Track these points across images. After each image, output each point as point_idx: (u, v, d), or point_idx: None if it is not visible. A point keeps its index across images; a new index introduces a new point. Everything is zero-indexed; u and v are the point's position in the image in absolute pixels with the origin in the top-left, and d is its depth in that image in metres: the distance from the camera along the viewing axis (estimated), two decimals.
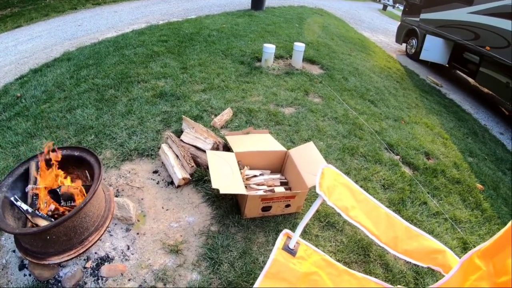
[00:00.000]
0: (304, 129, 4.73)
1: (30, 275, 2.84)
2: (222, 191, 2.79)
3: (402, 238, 1.96)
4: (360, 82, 7.22)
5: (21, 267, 2.95)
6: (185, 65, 6.49)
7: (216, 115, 4.69)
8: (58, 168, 3.09)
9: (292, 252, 2.07)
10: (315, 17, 13.34)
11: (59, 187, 2.98)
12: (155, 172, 3.76)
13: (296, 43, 6.91)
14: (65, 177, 3.12)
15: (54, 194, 2.98)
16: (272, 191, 3.27)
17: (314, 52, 8.21)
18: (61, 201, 2.95)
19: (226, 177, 2.99)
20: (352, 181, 2.09)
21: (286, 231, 2.17)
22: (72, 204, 2.96)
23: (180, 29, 9.06)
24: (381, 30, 17.41)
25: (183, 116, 4.33)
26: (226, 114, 4.60)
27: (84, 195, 2.96)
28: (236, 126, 4.56)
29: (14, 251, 3.05)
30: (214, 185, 2.82)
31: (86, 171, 3.16)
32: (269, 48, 6.62)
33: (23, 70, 7.22)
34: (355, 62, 8.76)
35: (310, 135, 4.61)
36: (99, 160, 2.95)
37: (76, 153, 3.12)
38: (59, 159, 3.07)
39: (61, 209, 2.89)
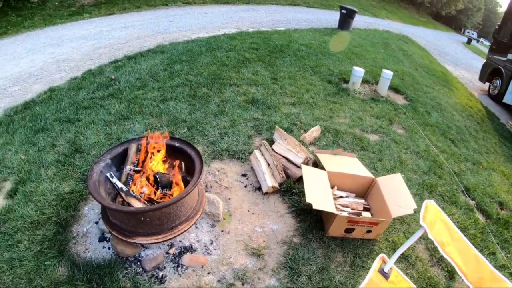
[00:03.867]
0: (387, 159, 4.78)
1: (109, 248, 3.05)
2: (315, 207, 2.94)
3: (486, 280, 2.06)
4: (442, 118, 7.14)
5: (101, 239, 3.15)
6: (276, 76, 6.72)
7: (305, 130, 4.86)
8: (157, 155, 3.31)
9: (386, 275, 2.21)
10: (400, 44, 13.23)
11: (158, 173, 3.20)
12: (244, 175, 3.97)
13: (384, 70, 6.94)
14: (162, 165, 3.33)
15: (152, 178, 3.19)
16: (357, 214, 3.38)
17: (399, 81, 8.19)
18: (159, 187, 3.17)
19: (318, 193, 3.14)
20: (449, 219, 2.22)
21: (382, 255, 2.31)
22: (167, 191, 3.15)
23: (270, 40, 9.34)
24: (464, 65, 16.91)
25: (276, 126, 4.53)
26: (315, 131, 4.74)
27: (178, 184, 3.13)
28: (323, 145, 4.69)
29: (96, 222, 3.29)
30: (308, 199, 2.98)
31: (182, 162, 3.36)
32: (359, 72, 6.71)
33: (117, 55, 7.72)
34: (438, 96, 8.64)
35: (392, 166, 4.66)
36: (201, 155, 3.13)
37: (176, 144, 3.33)
38: (161, 147, 3.30)
39: (158, 195, 3.08)
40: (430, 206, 2.18)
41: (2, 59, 7.84)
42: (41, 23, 10.79)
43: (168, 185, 3.22)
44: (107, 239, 3.15)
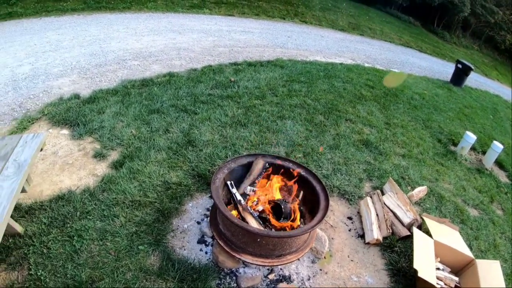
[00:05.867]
0: (483, 239, 4.72)
1: (207, 253, 3.20)
2: (420, 274, 3.11)
3: None
4: None
5: (201, 241, 3.31)
6: (389, 121, 6.88)
7: (412, 188, 4.98)
8: (279, 180, 3.50)
9: None
10: (508, 113, 12.66)
11: (281, 201, 3.32)
12: (350, 218, 4.17)
13: (495, 142, 6.77)
14: (282, 190, 3.52)
15: (275, 205, 3.34)
16: None
17: (504, 156, 7.92)
18: (281, 216, 3.25)
19: (424, 261, 3.31)
20: None
21: None
22: (286, 221, 3.25)
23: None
24: None
25: (390, 178, 4.68)
26: (422, 191, 4.84)
27: (295, 216, 3.26)
28: (427, 208, 4.75)
29: (198, 222, 3.47)
30: (416, 265, 3.16)
31: (301, 192, 3.54)
32: (471, 138, 6.66)
33: (237, 58, 8.25)
34: None
35: (486, 248, 4.62)
36: (326, 190, 3.32)
37: (302, 172, 3.50)
38: (293, 174, 3.49)
39: (279, 224, 3.18)
40: None
41: (125, 32, 8.63)
42: (163, 7, 11.69)
43: (288, 215, 3.31)
44: (207, 243, 3.32)
